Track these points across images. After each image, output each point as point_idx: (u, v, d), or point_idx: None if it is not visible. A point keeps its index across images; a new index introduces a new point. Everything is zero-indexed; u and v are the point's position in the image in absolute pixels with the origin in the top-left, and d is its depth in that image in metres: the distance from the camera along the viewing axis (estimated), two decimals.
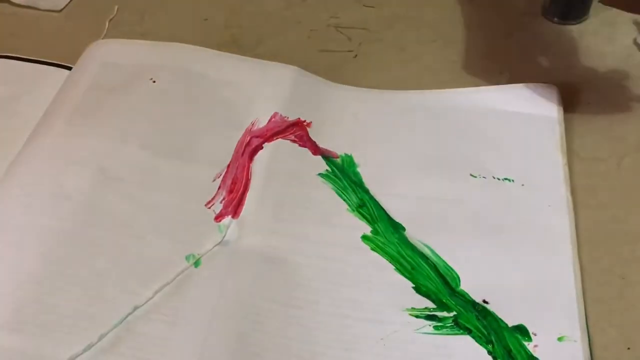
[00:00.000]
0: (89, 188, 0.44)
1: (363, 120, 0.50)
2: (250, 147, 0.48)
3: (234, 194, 0.45)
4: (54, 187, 0.44)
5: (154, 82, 0.51)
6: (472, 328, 0.38)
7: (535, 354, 0.37)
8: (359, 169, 0.47)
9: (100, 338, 0.37)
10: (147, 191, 0.45)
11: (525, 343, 0.37)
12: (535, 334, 0.38)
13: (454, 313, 0.39)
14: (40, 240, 0.42)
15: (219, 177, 0.46)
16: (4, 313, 0.38)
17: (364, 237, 0.43)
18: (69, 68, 0.54)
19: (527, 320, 0.38)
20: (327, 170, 0.47)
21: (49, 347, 0.37)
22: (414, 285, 0.40)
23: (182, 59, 0.53)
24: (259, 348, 0.38)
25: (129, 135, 0.48)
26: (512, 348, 0.37)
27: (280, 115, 0.49)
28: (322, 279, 0.41)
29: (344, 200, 0.45)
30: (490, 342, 0.38)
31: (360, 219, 0.44)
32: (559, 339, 0.37)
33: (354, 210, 0.44)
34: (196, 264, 0.41)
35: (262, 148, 0.47)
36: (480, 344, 0.38)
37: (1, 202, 0.44)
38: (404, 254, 0.42)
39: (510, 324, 0.38)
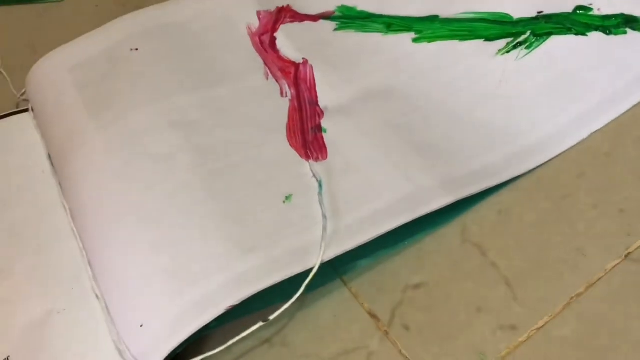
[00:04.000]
0: (181, 140, 0.42)
1: None
2: (266, 43, 0.48)
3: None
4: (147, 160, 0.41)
5: (137, 49, 0.48)
6: (549, 30, 0.44)
7: (602, 13, 0.44)
8: (358, 8, 0.50)
9: None
10: (228, 125, 0.43)
11: (590, 13, 0.45)
12: (591, 5, 0.45)
13: (529, 31, 0.45)
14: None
15: (267, 76, 0.46)
16: None
17: (415, 40, 0.47)
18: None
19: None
20: (336, 24, 0.49)
21: None
22: (483, 40, 0.45)
23: (138, 24, 0.50)
24: None
25: (163, 93, 0.45)
26: (584, 20, 0.44)
27: (263, 10, 0.50)
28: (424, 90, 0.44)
29: (373, 31, 0.48)
30: (569, 28, 0.44)
31: (397, 34, 0.47)
32: None
33: (387, 32, 0.48)
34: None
35: (276, 38, 0.48)
36: (565, 34, 0.44)
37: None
38: (455, 28, 0.47)
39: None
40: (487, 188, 0.38)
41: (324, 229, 0.36)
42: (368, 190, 0.38)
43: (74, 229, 0.41)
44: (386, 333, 0.35)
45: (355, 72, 0.46)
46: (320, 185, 0.39)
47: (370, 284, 0.37)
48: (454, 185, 0.38)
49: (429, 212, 0.37)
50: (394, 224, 0.36)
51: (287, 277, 0.34)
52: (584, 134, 0.40)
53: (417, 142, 0.41)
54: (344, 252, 0.36)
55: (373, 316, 0.36)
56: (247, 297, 0.34)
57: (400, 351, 0.34)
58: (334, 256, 0.35)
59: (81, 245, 0.40)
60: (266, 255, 0.35)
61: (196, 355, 0.34)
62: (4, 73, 0.51)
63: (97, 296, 0.37)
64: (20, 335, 0.37)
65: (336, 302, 0.37)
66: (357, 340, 0.35)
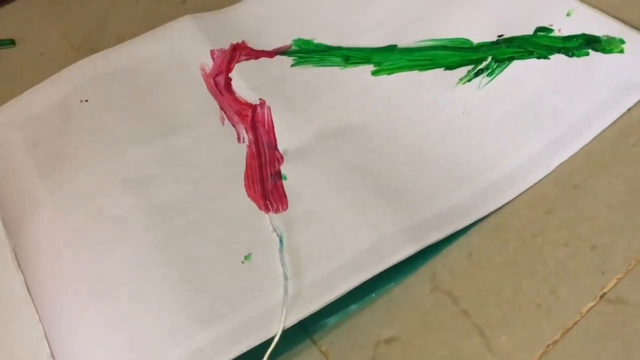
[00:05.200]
0: (134, 199, 0.40)
1: (283, 10, 0.51)
2: (221, 84, 0.46)
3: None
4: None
5: (87, 101, 0.46)
6: (511, 54, 0.43)
7: (563, 34, 0.43)
8: (315, 41, 0.48)
9: None
10: (184, 179, 0.42)
11: (550, 34, 0.43)
12: (551, 25, 0.44)
13: (490, 57, 0.43)
14: None
15: (223, 120, 0.44)
16: None
17: (374, 73, 0.45)
18: None
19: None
20: (293, 59, 0.48)
21: None
22: (444, 69, 0.44)
23: (88, 73, 0.49)
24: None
25: (115, 149, 0.43)
26: (545, 43, 0.43)
27: (216, 49, 0.48)
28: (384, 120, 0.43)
29: (332, 65, 0.47)
30: (531, 52, 0.43)
31: (355, 67, 0.46)
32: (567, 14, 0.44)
33: (345, 66, 0.46)
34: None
35: (231, 79, 0.47)
36: (527, 58, 0.43)
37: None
38: (414, 57, 0.45)
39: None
40: (454, 232, 0.37)
41: (285, 291, 0.34)
42: (331, 242, 0.37)
43: (30, 301, 0.39)
44: None
45: (314, 110, 0.44)
46: (280, 241, 0.37)
47: (340, 341, 0.35)
48: (420, 232, 0.36)
49: (394, 263, 0.36)
50: (360, 279, 0.35)
51: (247, 349, 0.33)
52: (552, 164, 0.39)
53: (379, 185, 0.39)
54: (308, 314, 0.34)
55: None
56: None
57: None
58: (297, 321, 0.34)
59: (37, 318, 0.38)
60: (225, 326, 0.34)
61: None
62: None
63: None
64: None
65: None
66: None
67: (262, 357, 0.32)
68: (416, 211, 0.38)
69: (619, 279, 0.34)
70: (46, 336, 0.37)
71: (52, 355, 0.36)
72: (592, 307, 0.33)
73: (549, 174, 0.38)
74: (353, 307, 0.36)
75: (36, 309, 0.38)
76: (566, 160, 0.39)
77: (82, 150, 0.44)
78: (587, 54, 0.42)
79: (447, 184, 0.39)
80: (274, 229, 0.38)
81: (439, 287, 0.36)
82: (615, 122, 0.39)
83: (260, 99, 0.45)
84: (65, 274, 0.38)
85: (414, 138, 0.42)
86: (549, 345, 0.33)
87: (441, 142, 0.41)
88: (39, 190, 0.42)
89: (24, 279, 0.39)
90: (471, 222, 0.37)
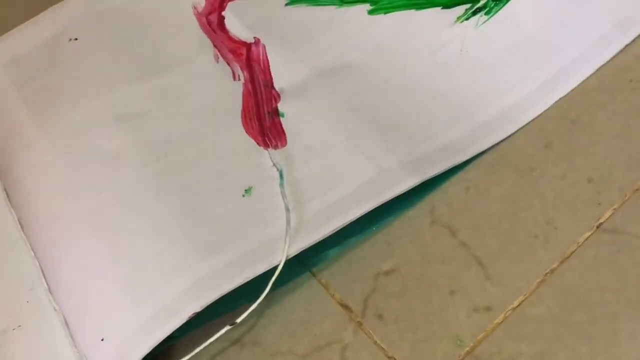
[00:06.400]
0: (129, 135, 0.40)
1: None
2: (213, 23, 0.45)
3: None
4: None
5: (76, 39, 0.45)
6: None
7: None
8: None
9: None
10: (178, 115, 0.41)
11: None
12: None
13: None
14: None
15: (217, 58, 0.44)
16: None
17: (370, 12, 0.45)
18: None
19: None
20: None
21: None
22: (441, 7, 0.43)
23: (76, 12, 0.47)
24: None
25: (107, 85, 0.42)
26: None
27: None
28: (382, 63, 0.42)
29: (327, 4, 0.46)
30: None
31: (352, 6, 0.45)
32: None
33: (341, 5, 0.45)
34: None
35: (224, 17, 0.46)
36: None
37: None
38: None
39: None
40: (454, 165, 0.37)
41: (288, 222, 0.34)
42: (331, 176, 0.37)
43: (24, 238, 0.38)
44: (359, 324, 0.34)
45: (311, 49, 0.44)
46: (281, 176, 0.37)
47: (340, 273, 0.36)
48: (420, 165, 0.37)
49: (395, 196, 0.36)
50: (360, 211, 0.35)
51: (250, 278, 0.33)
52: (550, 100, 0.39)
53: (378, 122, 0.39)
54: (310, 245, 0.34)
55: (345, 307, 0.34)
56: (210, 302, 0.32)
57: (375, 342, 0.33)
58: (300, 250, 0.34)
59: (33, 255, 0.37)
60: (228, 256, 0.34)
61: None
62: None
63: (54, 309, 0.35)
64: None
65: (306, 295, 0.35)
66: (331, 333, 0.34)
67: (266, 285, 0.32)
68: (415, 147, 0.38)
69: (614, 209, 0.35)
70: (43, 272, 0.36)
71: (50, 291, 0.36)
72: (588, 237, 0.34)
73: (548, 109, 0.38)
74: (353, 239, 0.36)
75: (31, 246, 0.38)
76: (564, 96, 0.39)
77: (74, 89, 0.43)
78: None
79: (446, 120, 0.39)
80: (274, 164, 0.37)
81: (438, 221, 0.36)
82: (613, 58, 0.39)
83: (254, 38, 0.44)
84: (61, 210, 0.38)
85: (412, 76, 0.41)
86: (546, 274, 0.33)
87: (439, 80, 0.41)
88: (31, 129, 0.41)
89: (17, 217, 0.39)
90: (471, 156, 0.37)
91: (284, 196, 0.36)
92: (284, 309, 0.35)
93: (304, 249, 0.34)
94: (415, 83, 0.41)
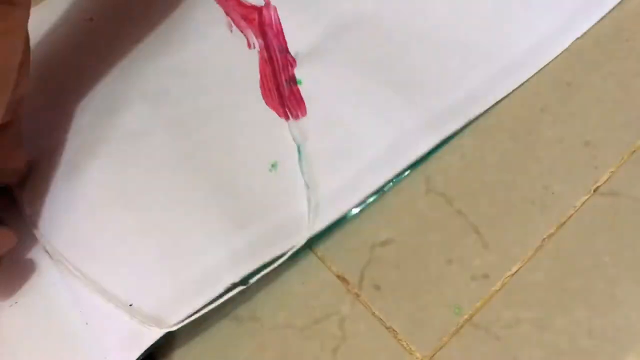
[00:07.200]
0: (153, 113, 0.40)
1: None
2: None
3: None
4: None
5: (91, 19, 0.45)
6: None
7: None
8: None
9: None
10: (199, 90, 0.41)
11: None
12: None
13: None
14: None
15: (231, 27, 0.43)
16: None
17: None
18: None
19: None
20: None
21: None
22: None
23: None
24: None
25: (127, 65, 0.42)
26: None
27: None
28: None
29: None
30: None
31: None
32: None
33: None
34: None
35: None
36: None
37: None
38: None
39: None
40: (471, 119, 0.37)
41: (308, 200, 0.35)
42: (353, 144, 0.36)
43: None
44: (357, 295, 0.34)
45: (321, 5, 0.43)
46: (299, 151, 0.36)
47: (336, 245, 0.35)
48: (438, 122, 0.36)
49: (416, 160, 0.36)
50: (384, 178, 0.35)
51: (280, 253, 0.34)
52: (567, 41, 0.38)
53: (394, 79, 0.38)
54: (337, 219, 0.35)
55: (342, 279, 0.34)
56: (247, 273, 0.33)
57: (373, 313, 0.33)
58: (327, 225, 0.34)
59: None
60: (261, 228, 0.34)
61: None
62: None
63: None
64: None
65: (303, 268, 0.35)
66: (328, 306, 0.34)
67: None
68: (433, 101, 0.37)
69: (612, 172, 0.34)
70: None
71: (79, 269, 0.35)
72: (586, 201, 0.34)
73: (542, 72, 0.38)
74: (353, 210, 0.36)
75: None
76: (559, 58, 0.38)
77: (93, 69, 0.42)
78: None
79: (462, 69, 0.38)
80: (293, 138, 0.37)
81: (433, 190, 0.36)
82: (607, 17, 0.39)
83: (265, 0, 0.43)
84: (86, 187, 0.38)
85: (425, 26, 0.40)
86: (544, 239, 0.33)
87: (453, 28, 0.40)
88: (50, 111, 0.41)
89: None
90: (491, 104, 0.37)
91: (303, 173, 0.36)
92: (281, 283, 0.35)
93: (335, 220, 0.35)
94: (429, 32, 0.40)
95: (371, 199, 0.36)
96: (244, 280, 0.33)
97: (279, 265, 0.34)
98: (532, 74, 0.37)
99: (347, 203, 0.35)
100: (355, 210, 0.35)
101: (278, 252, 0.34)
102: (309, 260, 0.35)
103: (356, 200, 0.35)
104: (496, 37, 0.39)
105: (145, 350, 0.32)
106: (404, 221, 0.35)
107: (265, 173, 0.36)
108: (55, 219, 0.37)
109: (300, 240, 0.34)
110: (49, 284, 0.35)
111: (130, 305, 0.33)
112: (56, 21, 0.45)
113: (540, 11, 0.39)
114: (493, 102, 0.37)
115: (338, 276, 0.34)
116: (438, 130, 0.36)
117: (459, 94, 0.37)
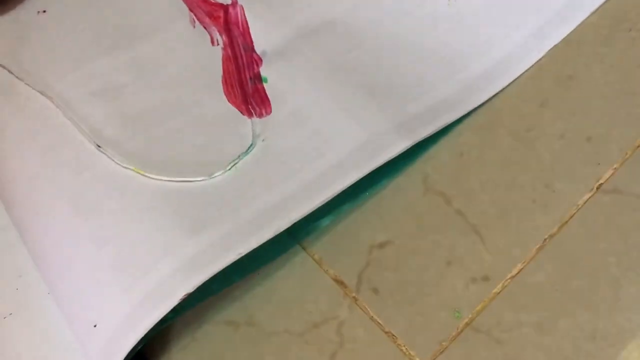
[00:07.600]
0: (107, 111, 0.38)
1: None
2: None
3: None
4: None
5: (44, 11, 0.43)
6: None
7: None
8: None
9: None
10: (157, 86, 0.39)
11: None
12: None
13: None
14: None
15: (193, 23, 0.42)
16: None
17: None
18: None
19: None
20: None
21: None
22: None
23: None
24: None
25: (80, 59, 0.40)
26: None
27: None
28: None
29: None
30: None
31: None
32: None
33: None
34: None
35: None
36: None
37: None
38: None
39: None
40: (446, 124, 0.36)
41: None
42: (320, 144, 0.35)
43: (10, 223, 0.37)
44: (355, 299, 0.33)
45: (292, 7, 0.42)
46: (249, 149, 0.36)
47: (333, 248, 0.35)
48: (411, 126, 0.35)
49: (387, 160, 0.34)
50: (352, 178, 0.34)
51: (243, 254, 0.32)
52: (544, 48, 0.37)
53: (366, 82, 0.37)
54: (302, 217, 0.33)
55: (340, 282, 0.34)
56: (201, 282, 0.31)
57: (371, 317, 0.32)
58: (292, 223, 0.33)
59: (17, 240, 0.36)
60: (217, 233, 0.33)
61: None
62: None
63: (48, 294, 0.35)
64: None
65: (300, 271, 0.34)
66: (326, 310, 0.33)
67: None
68: (406, 106, 0.36)
69: (615, 169, 0.33)
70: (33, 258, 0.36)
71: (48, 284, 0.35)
72: (588, 199, 0.33)
73: (543, 66, 0.37)
74: (345, 207, 0.35)
75: (19, 231, 0.37)
76: (560, 51, 0.37)
77: (44, 65, 0.41)
78: None
79: (436, 76, 0.37)
80: (253, 137, 0.36)
81: (431, 189, 0.35)
82: (610, 6, 0.37)
83: None
84: (41, 194, 0.36)
85: (398, 32, 0.39)
86: (545, 239, 0.32)
87: (427, 33, 0.39)
88: (3, 111, 0.40)
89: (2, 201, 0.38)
90: (464, 113, 0.36)
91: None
92: (278, 287, 0.34)
93: (297, 220, 0.33)
94: (402, 38, 0.39)
95: (367, 193, 0.35)
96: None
97: (275, 268, 0.34)
98: (509, 81, 0.37)
99: (310, 203, 0.34)
100: (349, 206, 0.35)
101: (235, 257, 0.32)
102: (306, 264, 0.34)
103: (322, 199, 0.34)
104: (471, 46, 0.38)
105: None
106: (401, 222, 0.34)
107: (225, 172, 0.35)
108: (22, 224, 0.37)
109: (263, 239, 0.33)
110: (42, 295, 0.35)
111: (95, 326, 0.32)
112: (9, 11, 0.44)
113: (515, 19, 0.38)
114: (468, 110, 0.36)
115: (335, 280, 0.34)
116: (408, 135, 0.35)
117: (433, 100, 0.36)
